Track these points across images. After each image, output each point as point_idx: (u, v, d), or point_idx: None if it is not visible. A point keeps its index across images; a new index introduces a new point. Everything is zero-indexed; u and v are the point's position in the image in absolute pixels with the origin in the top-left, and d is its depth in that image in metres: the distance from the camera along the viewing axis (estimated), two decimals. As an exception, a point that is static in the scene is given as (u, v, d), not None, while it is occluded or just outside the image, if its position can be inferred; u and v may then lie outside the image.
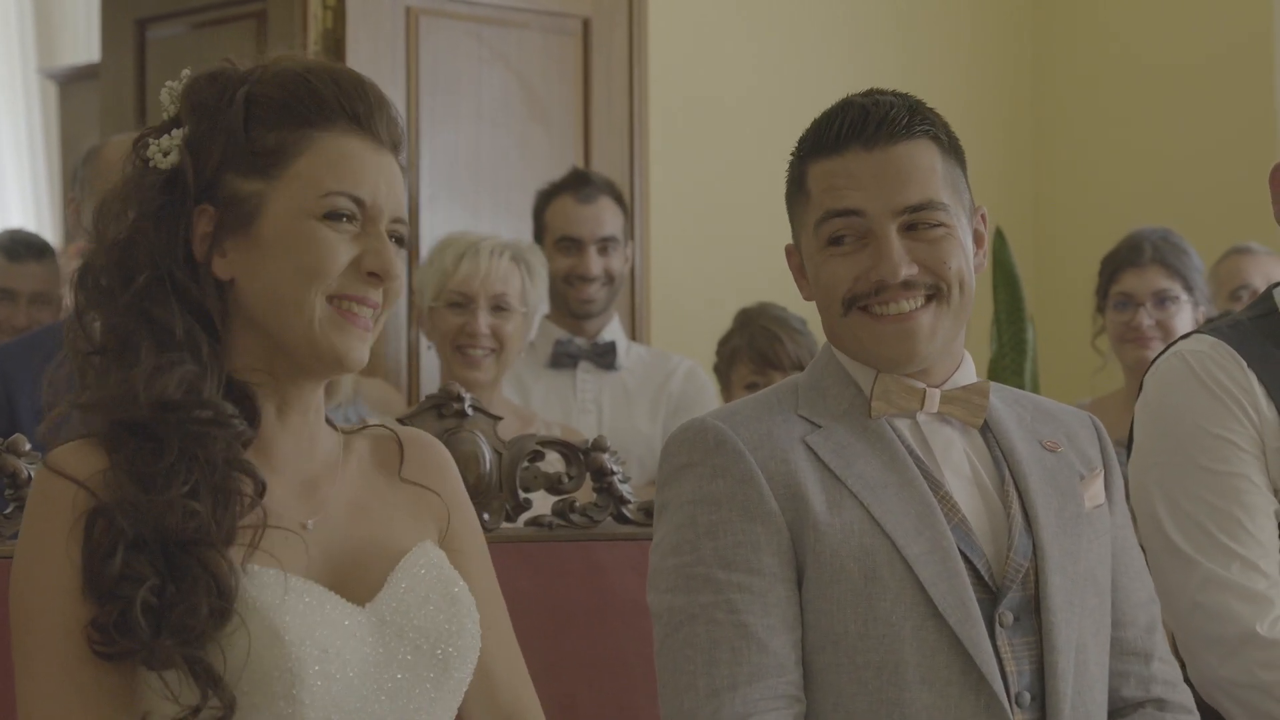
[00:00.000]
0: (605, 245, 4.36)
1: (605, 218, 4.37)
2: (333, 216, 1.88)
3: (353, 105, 1.91)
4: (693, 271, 5.31)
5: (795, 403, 2.15)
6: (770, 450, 2.09)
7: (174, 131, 1.91)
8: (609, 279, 4.37)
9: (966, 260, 2.14)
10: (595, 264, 4.34)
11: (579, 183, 4.42)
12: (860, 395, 2.15)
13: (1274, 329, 2.55)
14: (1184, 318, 4.24)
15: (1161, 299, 4.25)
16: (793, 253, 2.22)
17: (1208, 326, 2.64)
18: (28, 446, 2.23)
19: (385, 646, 1.88)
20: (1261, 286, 4.49)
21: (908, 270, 2.10)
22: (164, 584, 1.78)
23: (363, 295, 1.90)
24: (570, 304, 4.34)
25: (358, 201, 1.89)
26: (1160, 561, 2.45)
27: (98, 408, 1.85)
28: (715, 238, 5.36)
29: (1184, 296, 4.25)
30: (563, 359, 4.34)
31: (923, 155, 2.12)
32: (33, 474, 2.21)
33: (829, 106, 2.17)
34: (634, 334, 4.93)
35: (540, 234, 4.38)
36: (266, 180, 1.88)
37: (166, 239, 1.88)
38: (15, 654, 1.82)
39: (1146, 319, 4.24)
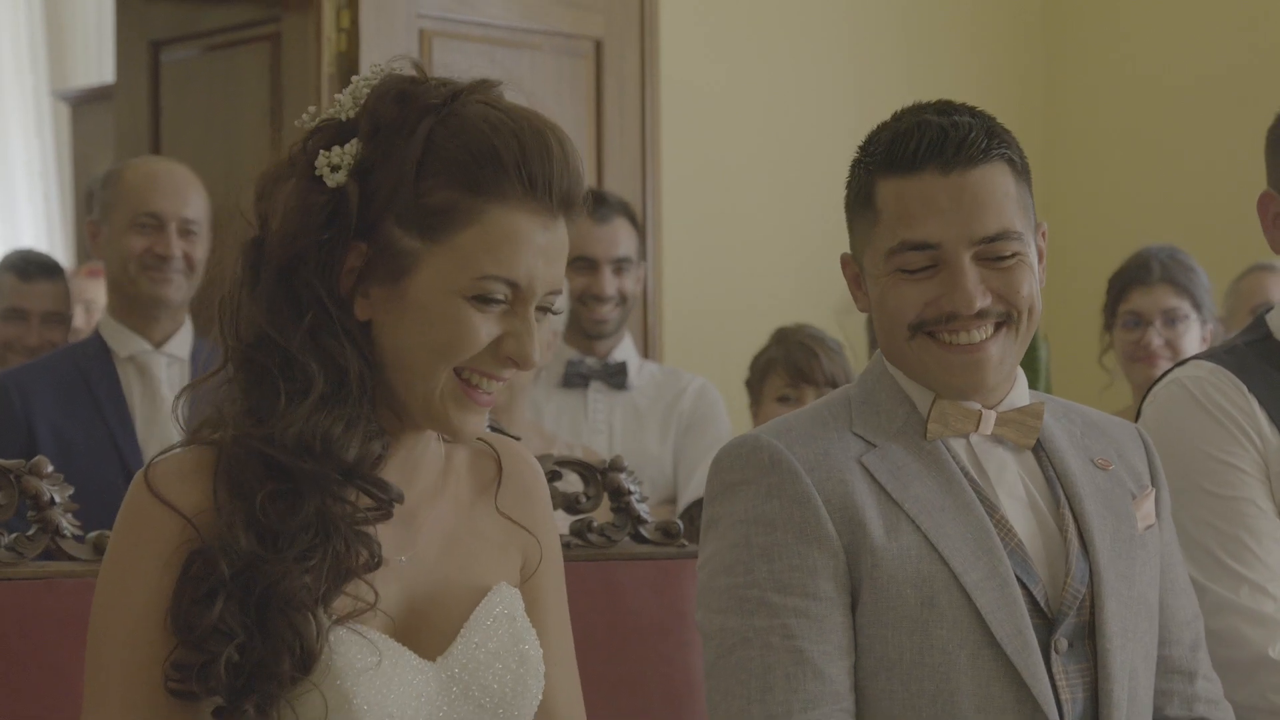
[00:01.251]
0: (620, 265, 4.36)
1: (620, 238, 4.37)
2: (482, 299, 1.80)
3: (530, 169, 1.79)
4: (705, 291, 5.31)
5: (849, 419, 2.11)
6: (827, 471, 2.05)
7: (346, 146, 1.82)
8: (622, 299, 4.36)
9: (1035, 284, 2.09)
10: (610, 284, 4.33)
11: (594, 203, 4.40)
12: (915, 413, 2.10)
13: (1270, 353, 2.55)
14: (1192, 336, 4.22)
15: (1170, 318, 4.23)
16: (849, 263, 2.16)
17: (1205, 353, 2.63)
18: (49, 469, 2.23)
19: (449, 705, 1.85)
20: (1284, 304, 4.51)
21: (983, 302, 2.05)
22: (250, 640, 1.75)
23: (493, 373, 1.84)
24: (583, 324, 4.33)
25: (512, 284, 1.81)
26: None
27: (260, 439, 1.79)
28: (728, 257, 5.36)
29: (1193, 315, 4.24)
30: (574, 379, 4.33)
31: (999, 180, 2.07)
32: (43, 496, 2.22)
33: (898, 119, 2.11)
34: (646, 353, 4.93)
35: (554, 254, 4.37)
36: (425, 242, 1.79)
37: (326, 271, 1.81)
38: (89, 669, 1.79)
39: (1156, 338, 4.22)
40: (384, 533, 1.85)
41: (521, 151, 1.80)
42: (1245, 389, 2.50)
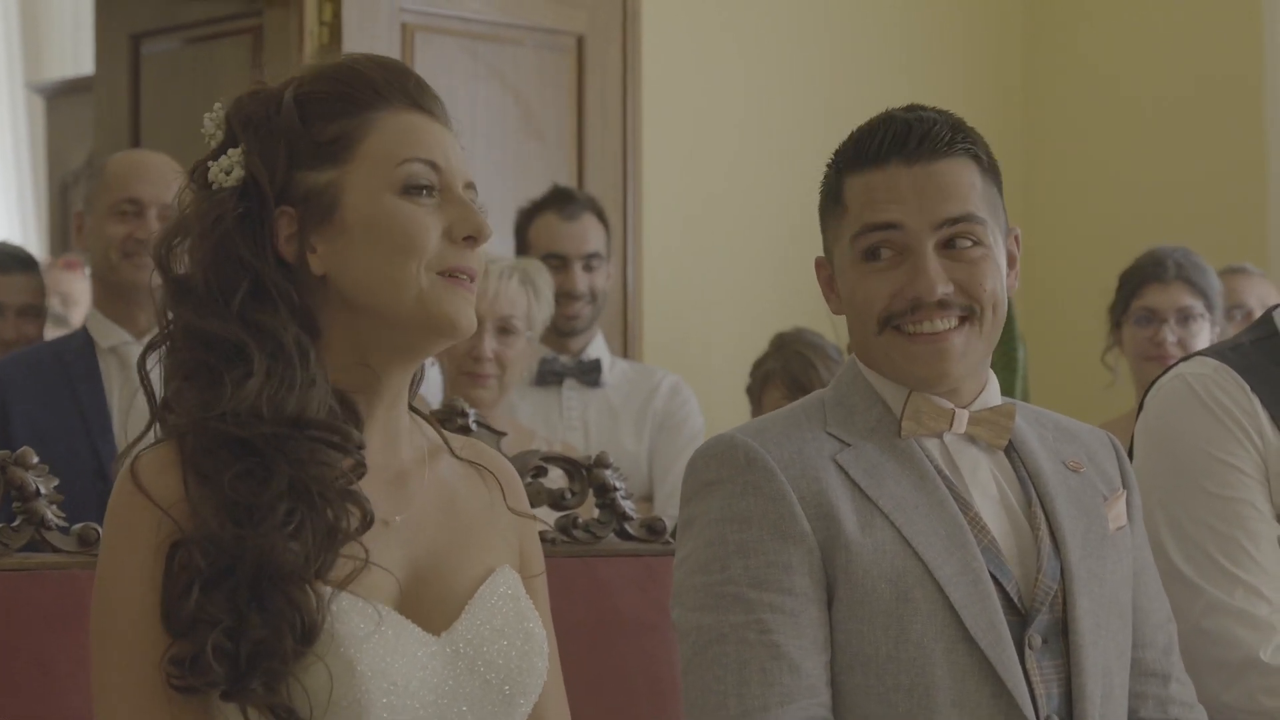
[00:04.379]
0: (590, 262, 4.35)
1: (590, 234, 4.36)
2: (411, 189, 1.85)
3: (404, 84, 1.89)
4: (686, 287, 5.32)
5: (824, 419, 2.13)
6: (801, 469, 2.06)
7: (230, 151, 1.87)
8: (594, 296, 4.35)
9: (1001, 282, 2.12)
10: (581, 281, 4.32)
11: (563, 200, 4.39)
12: (888, 413, 2.12)
13: (1275, 352, 2.53)
14: (1204, 337, 4.18)
15: (1185, 316, 4.20)
16: (823, 265, 2.19)
17: (1209, 350, 2.61)
18: (35, 460, 2.23)
19: (455, 679, 1.85)
20: (1256, 307, 4.50)
21: (944, 289, 2.08)
22: (241, 622, 1.74)
23: (468, 266, 1.87)
24: (556, 321, 4.30)
25: (433, 166, 1.87)
26: (1163, 585, 2.45)
27: (215, 419, 1.80)
28: (709, 253, 5.37)
29: (1205, 315, 4.21)
30: (548, 377, 4.32)
31: (963, 172, 2.11)
32: (28, 487, 2.21)
33: (867, 121, 2.16)
34: (626, 351, 4.93)
35: (523, 252, 4.34)
36: (338, 167, 1.85)
37: (254, 244, 1.84)
38: (95, 671, 1.79)
39: (1170, 335, 4.18)
40: (375, 495, 1.85)
41: (386, 71, 1.90)
42: (1248, 388, 2.48)
